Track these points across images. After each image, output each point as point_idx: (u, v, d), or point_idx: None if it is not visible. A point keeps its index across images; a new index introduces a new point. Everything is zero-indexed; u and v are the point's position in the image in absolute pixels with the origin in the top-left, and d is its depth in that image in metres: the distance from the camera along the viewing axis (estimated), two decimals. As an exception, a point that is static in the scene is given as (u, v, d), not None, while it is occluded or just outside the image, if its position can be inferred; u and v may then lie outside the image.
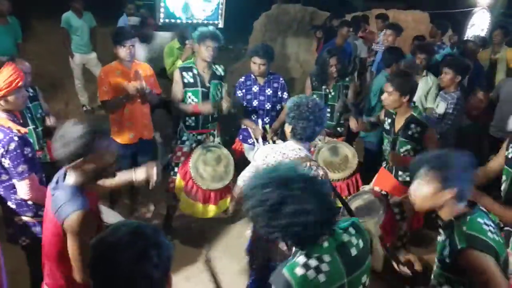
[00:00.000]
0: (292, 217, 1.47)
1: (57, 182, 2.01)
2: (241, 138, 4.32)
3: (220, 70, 3.85)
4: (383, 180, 3.53)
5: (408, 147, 3.28)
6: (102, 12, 6.99)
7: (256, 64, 3.98)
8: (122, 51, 3.68)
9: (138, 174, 2.51)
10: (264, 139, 4.01)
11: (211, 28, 3.69)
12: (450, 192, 1.84)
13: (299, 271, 1.51)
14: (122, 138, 3.82)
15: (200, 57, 3.69)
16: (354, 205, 3.20)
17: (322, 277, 1.50)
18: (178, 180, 3.73)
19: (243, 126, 4.25)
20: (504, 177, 2.61)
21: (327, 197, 1.59)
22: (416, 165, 1.93)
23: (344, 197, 3.72)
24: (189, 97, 3.72)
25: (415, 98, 4.53)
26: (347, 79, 4.31)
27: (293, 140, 2.53)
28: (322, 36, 6.79)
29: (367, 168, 4.09)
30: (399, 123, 3.32)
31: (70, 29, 6.27)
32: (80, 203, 1.91)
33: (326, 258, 1.54)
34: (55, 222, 1.94)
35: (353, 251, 1.60)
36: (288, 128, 2.52)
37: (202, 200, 3.64)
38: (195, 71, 3.72)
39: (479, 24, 9.08)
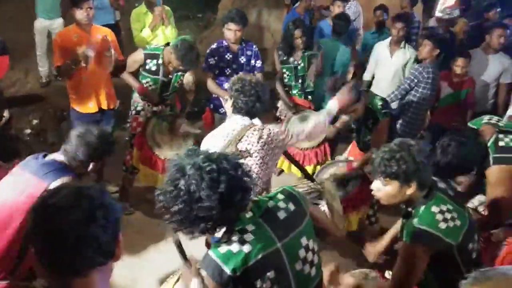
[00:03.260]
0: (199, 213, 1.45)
1: (37, 158, 2.16)
2: (212, 107, 4.16)
3: None
4: (357, 151, 3.48)
5: (368, 137, 3.28)
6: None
7: (232, 31, 3.81)
8: (79, 13, 3.43)
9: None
10: None
11: (194, 53, 3.39)
12: (411, 187, 1.89)
13: (222, 248, 1.50)
14: (82, 107, 3.62)
15: (169, 59, 3.47)
16: (327, 173, 3.16)
17: (247, 247, 1.49)
18: (135, 151, 3.59)
19: (214, 95, 4.08)
20: None
21: (244, 184, 1.52)
22: (373, 168, 1.96)
23: (312, 165, 3.71)
24: (147, 82, 3.56)
25: (392, 71, 4.49)
26: (314, 49, 4.25)
27: (235, 114, 2.51)
28: (290, 3, 6.61)
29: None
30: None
31: None
32: (69, 174, 2.11)
33: (249, 227, 1.53)
34: (36, 184, 2.02)
35: (281, 214, 1.59)
36: (229, 103, 2.51)
37: (161, 170, 3.50)
38: (160, 61, 3.52)
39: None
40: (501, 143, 2.35)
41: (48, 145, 4.68)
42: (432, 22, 6.22)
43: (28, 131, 4.83)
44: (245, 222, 1.53)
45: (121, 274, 3.05)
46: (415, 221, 1.88)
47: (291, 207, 1.62)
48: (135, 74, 3.64)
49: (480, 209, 2.54)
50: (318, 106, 4.31)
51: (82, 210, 1.09)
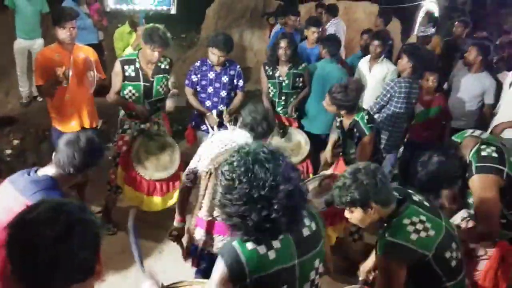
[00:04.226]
0: (262, 219, 1.39)
1: (29, 174, 2.04)
2: (193, 124, 4.14)
3: (165, 63, 3.64)
4: (342, 167, 3.50)
5: (353, 150, 3.33)
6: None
7: (215, 55, 3.82)
8: (62, 33, 3.42)
9: None
10: (220, 126, 3.86)
11: (161, 29, 3.42)
12: (373, 208, 1.93)
13: (250, 245, 1.47)
14: (64, 126, 3.57)
15: (144, 55, 3.46)
16: (311, 186, 3.19)
17: (272, 254, 1.46)
18: (119, 170, 3.55)
19: (195, 113, 4.08)
20: None
21: (303, 197, 1.50)
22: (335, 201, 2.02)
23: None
24: (130, 91, 3.52)
25: (372, 84, 4.60)
26: (300, 67, 4.26)
27: (241, 129, 2.56)
28: (275, 23, 6.72)
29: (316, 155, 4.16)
30: (346, 125, 3.38)
31: (15, 10, 5.71)
32: (58, 192, 1.97)
33: (279, 236, 1.49)
34: (22, 204, 1.86)
35: (305, 232, 1.57)
36: (239, 121, 2.58)
37: (146, 192, 3.48)
38: (137, 65, 3.50)
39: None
40: (483, 153, 2.38)
41: (29, 165, 4.60)
42: (411, 40, 6.42)
43: (9, 151, 4.76)
44: None
45: (104, 295, 3.00)
46: (386, 234, 1.91)
47: (313, 226, 1.60)
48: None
49: (463, 225, 2.56)
50: (309, 125, 4.37)
51: (59, 225, 1.08)
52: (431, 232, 1.90)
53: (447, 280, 1.91)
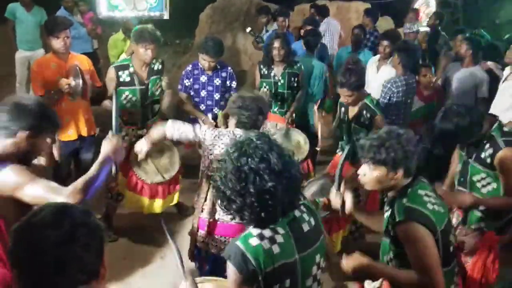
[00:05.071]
0: (257, 195, 1.42)
1: None
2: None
3: (157, 65, 3.66)
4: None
5: (361, 134, 3.30)
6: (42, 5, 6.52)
7: (206, 61, 3.85)
8: (56, 43, 3.44)
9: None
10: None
11: (149, 27, 3.47)
12: (397, 174, 1.91)
13: (254, 241, 1.48)
14: (62, 135, 3.57)
15: (138, 57, 3.49)
16: (310, 191, 3.18)
17: (276, 248, 1.48)
18: (120, 177, 3.56)
19: (191, 116, 4.09)
20: (458, 161, 2.70)
21: (298, 181, 1.54)
22: (361, 152, 1.97)
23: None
24: (127, 96, 3.53)
25: (379, 84, 4.61)
26: (295, 67, 4.28)
27: (239, 129, 2.55)
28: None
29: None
30: (353, 111, 3.36)
31: (15, 21, 5.77)
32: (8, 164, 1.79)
33: (280, 230, 1.52)
34: None
35: (305, 227, 1.58)
36: (232, 120, 2.57)
37: (148, 195, 3.50)
38: (131, 70, 3.52)
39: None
40: (505, 129, 2.45)
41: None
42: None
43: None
44: (277, 224, 1.52)
45: (107, 301, 3.00)
46: (404, 200, 1.89)
47: (312, 221, 1.61)
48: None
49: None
50: (302, 122, 4.40)
51: (63, 228, 1.09)
52: (441, 209, 1.93)
53: (442, 265, 1.91)
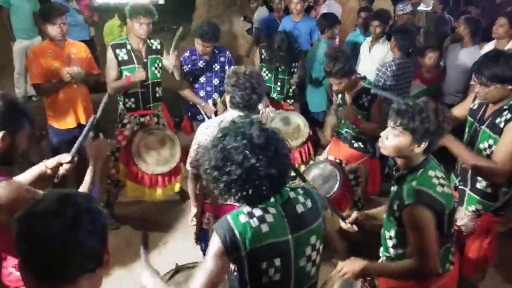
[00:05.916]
0: (242, 172, 1.44)
1: None
2: (189, 115, 4.16)
3: (156, 44, 3.62)
4: (337, 149, 3.52)
5: (359, 116, 3.29)
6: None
7: (200, 46, 3.82)
8: (53, 30, 3.40)
9: (49, 163, 2.14)
10: (216, 115, 3.87)
11: (144, 2, 3.45)
12: (420, 146, 1.88)
13: (243, 218, 1.52)
14: (60, 123, 3.58)
15: (134, 34, 3.45)
16: (311, 174, 3.19)
17: (265, 227, 1.51)
18: (121, 166, 3.57)
19: (190, 103, 4.08)
20: (466, 128, 2.65)
21: (284, 157, 1.53)
22: (394, 115, 1.91)
23: (297, 165, 3.75)
24: (125, 75, 3.48)
25: (371, 64, 4.58)
26: (295, 51, 4.27)
27: (233, 109, 2.49)
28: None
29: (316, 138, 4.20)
30: (349, 98, 3.34)
31: (10, 10, 5.67)
32: None
33: (271, 210, 1.55)
34: None
35: (299, 208, 1.60)
36: (227, 98, 2.51)
37: (148, 185, 3.52)
38: (128, 47, 3.48)
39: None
40: None
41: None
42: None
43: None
44: (268, 203, 1.55)
45: (111, 288, 3.03)
46: (414, 183, 1.87)
47: (309, 203, 1.63)
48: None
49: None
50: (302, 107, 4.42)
51: (66, 215, 1.09)
52: (449, 191, 1.93)
53: (442, 244, 1.93)
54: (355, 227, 2.35)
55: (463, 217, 2.54)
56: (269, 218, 1.53)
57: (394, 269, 1.99)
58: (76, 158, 2.18)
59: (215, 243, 1.51)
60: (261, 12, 6.35)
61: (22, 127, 1.84)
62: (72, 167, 2.16)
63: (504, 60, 2.32)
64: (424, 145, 1.87)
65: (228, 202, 2.52)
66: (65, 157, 2.15)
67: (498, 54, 2.41)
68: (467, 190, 2.57)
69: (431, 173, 1.91)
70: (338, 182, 3.07)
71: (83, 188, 1.95)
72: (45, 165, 2.12)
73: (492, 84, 2.36)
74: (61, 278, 1.10)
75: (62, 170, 2.13)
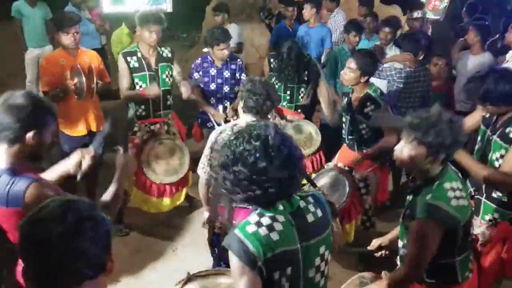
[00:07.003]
0: (254, 175, 1.44)
1: None
2: (200, 122, 4.18)
3: (166, 52, 3.66)
4: (346, 156, 3.50)
5: (364, 125, 3.29)
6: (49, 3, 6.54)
7: (224, 50, 3.85)
8: (66, 39, 3.45)
9: (72, 160, 2.13)
10: (226, 122, 3.88)
11: (153, 10, 3.52)
12: (436, 159, 1.87)
13: (251, 228, 1.49)
14: (71, 130, 3.62)
15: (144, 42, 3.51)
16: (320, 182, 3.18)
17: (275, 235, 1.48)
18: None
19: (200, 110, 4.10)
20: (479, 137, 2.64)
21: (298, 160, 1.53)
22: (408, 128, 1.90)
23: (309, 174, 3.74)
24: (137, 83, 3.53)
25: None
26: (305, 60, 4.23)
27: (246, 114, 2.57)
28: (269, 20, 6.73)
29: (326, 145, 4.11)
30: (356, 101, 3.32)
31: (22, 20, 5.77)
32: (27, 178, 1.73)
33: (280, 218, 1.52)
34: (9, 212, 1.72)
35: (309, 218, 1.57)
36: (240, 104, 2.59)
37: (156, 195, 3.54)
38: (139, 55, 3.53)
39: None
40: None
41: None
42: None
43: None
44: (277, 211, 1.52)
45: (120, 295, 3.04)
46: (428, 197, 1.86)
47: (319, 213, 1.60)
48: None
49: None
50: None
51: (68, 221, 1.09)
52: (466, 202, 1.91)
53: (458, 254, 1.92)
54: (386, 252, 2.38)
55: (480, 225, 2.52)
56: (278, 226, 1.50)
57: (394, 279, 1.97)
58: (99, 152, 2.21)
59: (234, 262, 1.48)
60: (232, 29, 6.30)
61: (49, 124, 1.85)
62: (93, 163, 2.15)
63: (491, 81, 2.34)
64: (440, 158, 1.86)
65: (241, 205, 2.56)
66: (88, 151, 2.14)
67: (482, 76, 2.43)
68: (483, 199, 2.55)
69: (447, 185, 1.88)
70: (347, 191, 3.08)
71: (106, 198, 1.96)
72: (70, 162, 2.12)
73: (489, 105, 2.40)
74: (62, 284, 1.10)
75: (84, 165, 2.11)
